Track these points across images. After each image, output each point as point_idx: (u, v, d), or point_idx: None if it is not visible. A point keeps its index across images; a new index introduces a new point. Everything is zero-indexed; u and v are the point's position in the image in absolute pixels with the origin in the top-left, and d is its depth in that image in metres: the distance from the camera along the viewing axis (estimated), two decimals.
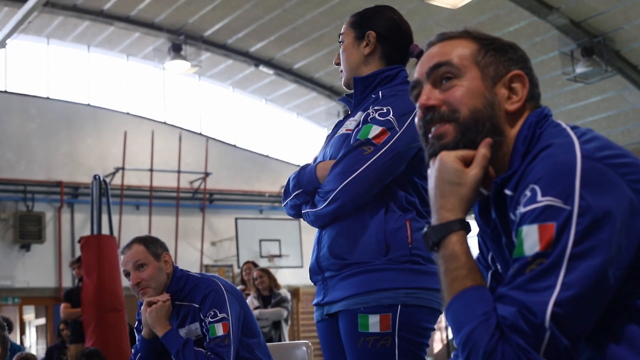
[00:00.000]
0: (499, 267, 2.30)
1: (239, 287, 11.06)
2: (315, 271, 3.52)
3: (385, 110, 3.35)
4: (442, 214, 2.11)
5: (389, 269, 3.27)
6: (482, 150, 2.13)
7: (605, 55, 18.07)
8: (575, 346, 1.89)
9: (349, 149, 3.35)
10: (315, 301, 3.58)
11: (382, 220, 3.31)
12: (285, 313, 10.57)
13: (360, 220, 3.34)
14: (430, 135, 2.20)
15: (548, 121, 2.16)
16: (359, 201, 3.31)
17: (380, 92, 3.47)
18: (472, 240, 2.20)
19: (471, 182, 2.12)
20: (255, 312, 10.06)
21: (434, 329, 3.38)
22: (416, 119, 2.26)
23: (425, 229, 2.14)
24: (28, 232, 18.89)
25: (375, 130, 3.33)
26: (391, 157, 3.29)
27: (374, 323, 3.25)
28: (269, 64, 21.57)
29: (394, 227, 3.31)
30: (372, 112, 3.39)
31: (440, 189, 2.13)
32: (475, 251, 2.22)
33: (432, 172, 2.17)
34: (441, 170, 2.14)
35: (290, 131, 23.86)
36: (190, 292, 4.56)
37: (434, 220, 2.12)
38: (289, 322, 10.94)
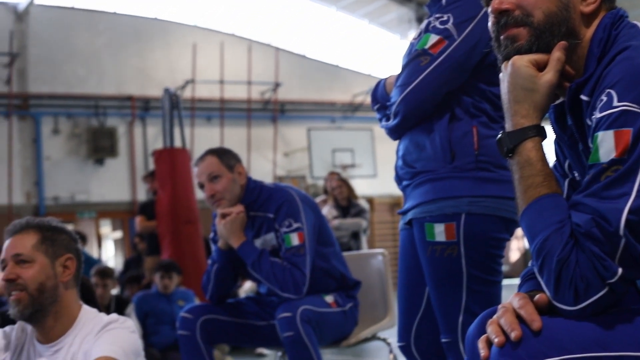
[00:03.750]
0: (576, 174, 2.23)
1: (321, 198, 11.05)
2: (397, 181, 3.49)
3: (445, 18, 3.27)
4: (517, 120, 2.06)
5: (453, 177, 3.23)
6: (557, 54, 2.06)
7: None
8: None
9: (409, 59, 3.33)
10: (399, 210, 3.54)
11: (447, 127, 3.26)
12: (364, 223, 10.54)
13: (426, 128, 3.31)
14: (502, 38, 2.14)
15: (624, 22, 2.08)
16: (420, 112, 3.27)
17: None
18: (549, 147, 2.15)
19: (545, 87, 2.06)
20: (335, 222, 10.06)
21: (507, 239, 3.32)
22: (489, 24, 2.20)
23: (499, 135, 2.10)
24: (101, 147, 19.09)
25: (433, 39, 3.26)
26: (448, 66, 3.22)
27: (439, 232, 3.23)
28: None
29: (459, 134, 3.26)
30: (433, 20, 3.32)
31: (513, 95, 2.07)
32: (551, 158, 2.16)
33: (504, 77, 2.12)
34: (514, 76, 2.08)
35: (362, 39, 23.56)
36: (265, 203, 4.52)
37: (508, 127, 2.08)
38: (367, 232, 10.90)
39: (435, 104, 3.26)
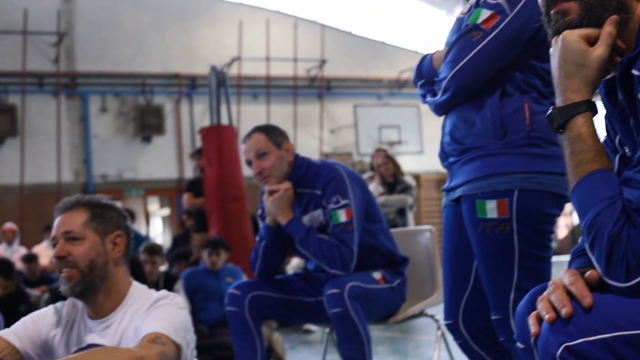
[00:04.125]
0: (627, 150, 2.19)
1: (368, 174, 11.04)
2: (442, 157, 3.48)
3: None
4: (567, 95, 2.04)
5: (505, 153, 3.21)
6: (608, 29, 2.03)
7: None
8: None
9: (459, 35, 3.30)
10: (444, 186, 3.51)
11: (498, 103, 3.24)
12: (410, 200, 10.51)
13: (476, 104, 3.29)
14: (552, 12, 2.11)
15: None
16: (470, 88, 3.25)
17: None
18: (600, 123, 2.13)
19: (596, 62, 2.03)
20: (381, 199, 10.05)
21: (558, 215, 3.30)
22: None
23: (550, 111, 2.07)
24: (148, 125, 19.21)
25: (485, 14, 3.23)
26: (500, 42, 3.19)
27: (491, 209, 3.21)
28: None
29: (511, 110, 3.24)
30: None
31: (564, 70, 2.05)
32: (602, 134, 2.11)
33: (555, 52, 2.09)
34: (564, 50, 2.05)
35: (408, 15, 23.41)
36: (312, 180, 4.52)
37: (558, 102, 2.06)
38: (414, 209, 10.87)
39: (487, 80, 3.24)
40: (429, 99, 3.43)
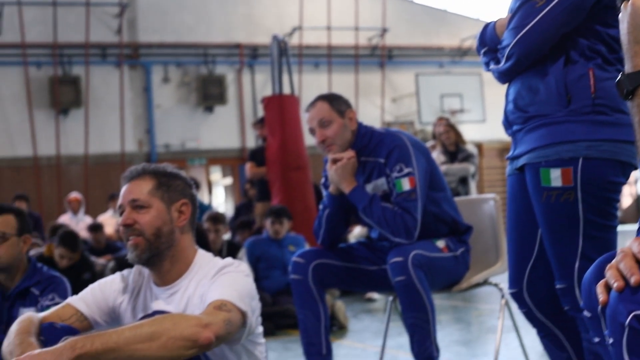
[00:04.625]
0: None
1: (430, 143, 10.99)
2: (506, 125, 3.45)
3: None
4: (637, 62, 1.99)
5: (569, 120, 3.17)
6: None
7: None
8: None
9: (523, 1, 3.25)
10: (507, 155, 3.48)
11: (562, 70, 3.20)
12: (472, 168, 10.44)
13: (540, 72, 3.25)
14: None
15: None
16: (534, 55, 3.22)
17: None
18: None
19: None
20: (442, 168, 10.00)
21: (624, 183, 3.26)
22: None
23: (619, 77, 2.03)
24: (210, 95, 19.31)
25: None
26: (564, 8, 3.14)
27: (555, 177, 3.18)
28: None
29: (575, 77, 3.19)
30: None
31: (633, 35, 2.00)
32: None
33: (624, 18, 2.05)
34: (634, 16, 2.01)
35: None
36: (375, 148, 4.51)
37: (628, 68, 2.02)
38: (476, 178, 10.80)
39: (550, 47, 3.20)
40: (492, 66, 3.40)
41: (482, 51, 3.46)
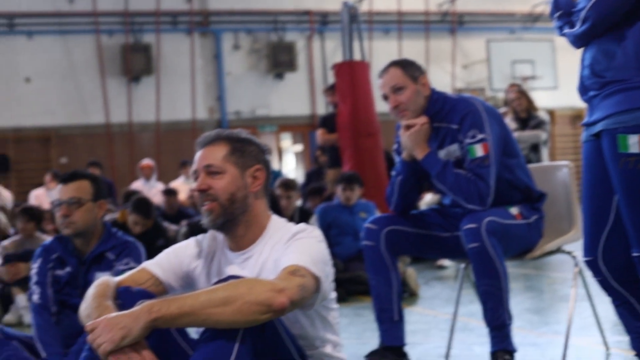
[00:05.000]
0: None
1: (501, 110, 10.89)
2: (581, 91, 3.41)
3: None
4: None
5: None
6: None
7: None
8: None
9: None
10: (583, 121, 3.45)
11: None
12: (543, 135, 10.31)
13: (617, 36, 3.21)
14: None
15: None
16: (610, 19, 3.18)
17: None
18: None
19: None
20: (514, 135, 9.90)
21: None
22: None
23: None
24: (281, 62, 19.35)
25: None
26: None
27: (633, 143, 3.14)
28: None
29: None
30: None
31: None
32: None
33: None
34: None
35: None
36: (449, 114, 4.47)
37: None
38: (548, 145, 10.69)
39: (627, 11, 3.15)
40: (566, 30, 3.35)
41: (556, 15, 3.42)
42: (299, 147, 22.43)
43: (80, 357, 2.88)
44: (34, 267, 4.61)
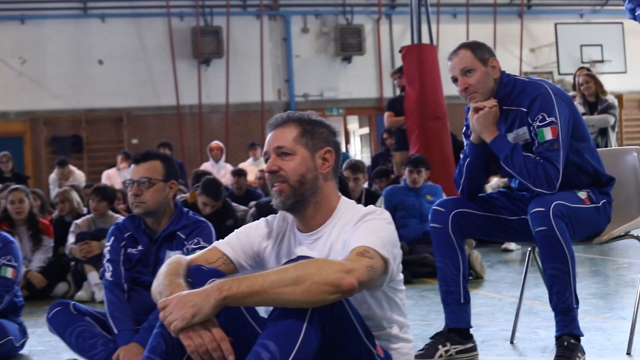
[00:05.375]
0: None
1: (571, 94, 10.80)
2: None
3: None
4: None
5: None
6: None
7: None
8: None
9: None
10: None
11: None
12: (612, 120, 10.22)
13: None
14: None
15: None
16: None
17: None
18: None
19: None
20: None
21: None
22: None
23: None
24: (348, 45, 19.38)
25: None
26: None
27: None
28: None
29: None
30: None
31: None
32: None
33: None
34: None
35: None
36: (518, 97, 4.44)
37: None
38: (616, 129, 10.58)
39: None
40: (638, 12, 3.32)
41: None
42: (366, 130, 22.43)
43: (152, 334, 2.93)
44: (107, 245, 4.70)
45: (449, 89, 4.69)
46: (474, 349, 4.62)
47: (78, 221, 8.61)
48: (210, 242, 4.32)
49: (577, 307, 4.30)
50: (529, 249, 5.08)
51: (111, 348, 4.32)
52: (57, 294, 8.45)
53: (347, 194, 6.95)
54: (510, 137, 4.46)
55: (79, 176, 14.34)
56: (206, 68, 18.64)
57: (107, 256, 4.65)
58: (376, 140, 19.10)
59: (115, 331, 4.36)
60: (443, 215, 4.52)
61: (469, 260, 7.43)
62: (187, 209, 4.78)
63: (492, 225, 4.62)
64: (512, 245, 9.85)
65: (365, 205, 3.22)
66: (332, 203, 3.20)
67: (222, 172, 13.74)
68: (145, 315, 4.37)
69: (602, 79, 12.17)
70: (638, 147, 5.00)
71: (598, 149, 4.85)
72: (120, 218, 5.16)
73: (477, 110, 4.44)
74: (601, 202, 4.51)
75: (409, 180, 8.73)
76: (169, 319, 2.70)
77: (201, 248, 4.11)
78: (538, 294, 6.35)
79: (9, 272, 5.37)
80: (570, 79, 13.50)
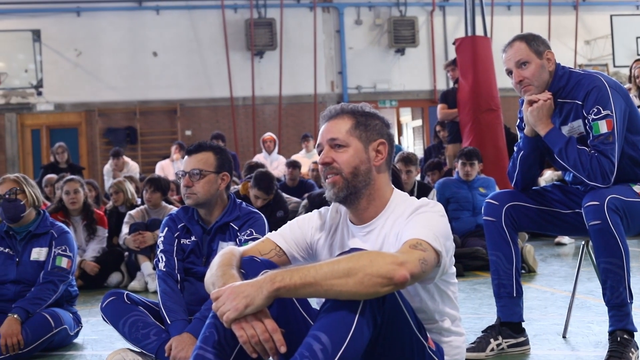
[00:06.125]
0: None
1: (626, 86, 10.67)
2: None
3: None
4: None
5: None
6: None
7: None
8: None
9: None
10: None
11: None
12: None
13: None
14: None
15: None
16: None
17: None
18: None
19: None
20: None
21: None
22: None
23: None
24: (402, 37, 19.34)
25: None
26: None
27: None
28: None
29: None
30: None
31: None
32: None
33: None
34: None
35: None
36: (573, 89, 4.40)
37: None
38: None
39: None
40: None
41: None
42: (418, 122, 22.37)
43: (205, 325, 2.95)
44: (161, 236, 4.73)
45: (503, 81, 4.65)
46: (525, 342, 4.60)
47: (132, 212, 8.69)
48: (263, 234, 4.34)
49: (631, 302, 4.26)
50: (583, 242, 5.04)
51: (164, 338, 4.34)
52: (110, 284, 8.54)
53: (400, 186, 6.95)
54: (565, 130, 4.42)
55: (133, 167, 14.46)
56: (259, 60, 18.70)
57: (161, 247, 4.68)
58: (429, 133, 19.03)
59: (168, 321, 4.38)
60: (496, 208, 4.50)
61: (522, 253, 7.39)
62: (240, 201, 4.80)
63: (546, 218, 4.59)
64: (565, 239, 9.78)
65: (418, 197, 3.21)
66: (385, 195, 3.20)
67: (275, 163, 13.78)
68: (198, 306, 4.39)
69: None
70: None
71: None
72: (174, 209, 5.20)
73: (531, 103, 4.40)
74: None
75: (462, 172, 8.70)
76: (222, 309, 2.71)
77: (254, 239, 4.13)
78: (591, 288, 6.30)
79: (64, 262, 5.43)
80: (625, 71, 13.32)
